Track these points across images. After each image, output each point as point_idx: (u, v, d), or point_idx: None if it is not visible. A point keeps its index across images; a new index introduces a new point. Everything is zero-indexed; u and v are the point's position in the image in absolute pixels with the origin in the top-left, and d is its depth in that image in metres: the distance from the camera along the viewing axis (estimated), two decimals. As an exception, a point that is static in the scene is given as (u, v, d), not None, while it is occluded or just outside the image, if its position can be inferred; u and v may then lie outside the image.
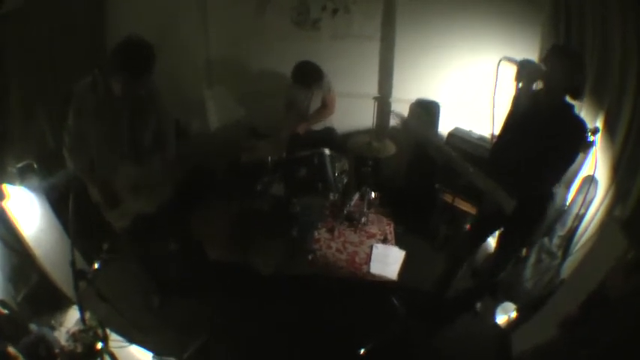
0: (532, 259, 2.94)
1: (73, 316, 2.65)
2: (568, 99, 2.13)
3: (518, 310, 2.88)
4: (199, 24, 3.61)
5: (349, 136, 3.65)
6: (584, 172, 2.75)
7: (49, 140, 2.77)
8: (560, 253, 2.83)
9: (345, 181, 3.37)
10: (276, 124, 3.61)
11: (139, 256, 2.84)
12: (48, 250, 2.69)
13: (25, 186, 2.61)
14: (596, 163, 2.31)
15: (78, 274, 2.06)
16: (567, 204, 2.85)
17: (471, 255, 3.01)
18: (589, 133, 2.15)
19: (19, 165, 2.54)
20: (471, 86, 3.43)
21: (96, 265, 3.01)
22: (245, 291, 3.03)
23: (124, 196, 2.33)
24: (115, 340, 2.51)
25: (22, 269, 2.58)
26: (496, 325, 2.87)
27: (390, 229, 3.65)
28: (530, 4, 2.95)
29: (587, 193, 2.64)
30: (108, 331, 2.43)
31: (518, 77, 2.16)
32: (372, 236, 3.58)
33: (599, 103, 2.59)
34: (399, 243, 3.51)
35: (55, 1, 2.74)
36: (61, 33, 2.71)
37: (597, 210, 2.63)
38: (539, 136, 2.13)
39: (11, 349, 2.04)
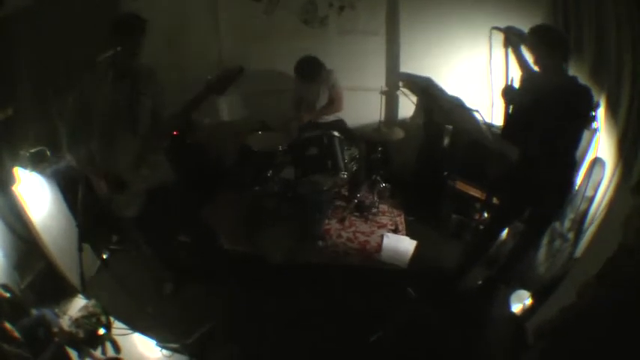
0: (544, 244, 2.94)
1: (77, 305, 2.61)
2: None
3: (532, 297, 2.86)
4: (211, 23, 3.72)
5: (358, 128, 3.75)
6: (591, 155, 2.80)
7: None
8: (572, 236, 2.83)
9: (355, 168, 3.41)
10: (286, 117, 3.68)
11: (150, 244, 2.82)
12: (56, 236, 2.71)
13: (37, 172, 2.63)
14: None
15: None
16: (576, 187, 2.88)
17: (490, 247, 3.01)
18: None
19: (32, 150, 2.56)
20: (475, 77, 3.48)
21: (105, 256, 3.07)
22: (255, 279, 3.02)
23: (127, 176, 2.32)
24: (118, 328, 2.49)
25: (29, 256, 2.57)
26: (511, 313, 2.84)
27: (400, 219, 3.66)
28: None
29: (594, 175, 2.71)
30: (111, 318, 2.42)
31: (506, 43, 2.30)
32: (382, 226, 3.60)
33: (599, 85, 2.64)
34: (410, 233, 3.51)
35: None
36: (73, 31, 2.76)
37: (606, 190, 2.65)
38: (551, 111, 2.18)
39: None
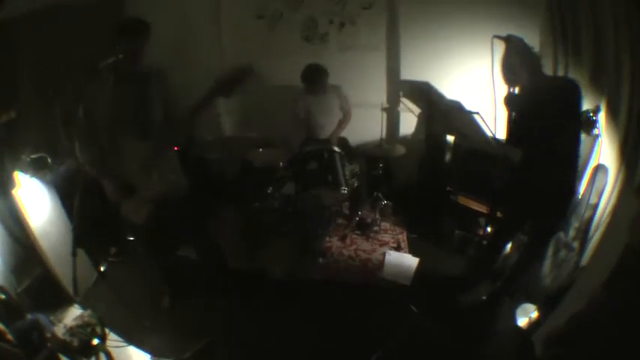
0: (549, 255, 2.87)
1: (72, 314, 2.56)
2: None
3: (538, 309, 2.77)
4: (214, 39, 3.82)
5: (359, 144, 3.78)
6: (593, 162, 2.77)
7: (62, 136, 2.81)
8: (577, 245, 2.77)
9: (356, 185, 3.39)
10: (288, 133, 3.73)
11: (151, 255, 2.80)
12: (54, 243, 2.71)
13: (37, 178, 2.65)
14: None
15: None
16: (580, 196, 2.84)
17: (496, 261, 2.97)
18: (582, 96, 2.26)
19: (33, 156, 2.59)
20: (477, 89, 3.49)
21: (102, 268, 3.05)
22: (254, 294, 2.98)
23: (136, 180, 2.31)
24: (114, 340, 2.44)
25: (26, 262, 2.58)
26: (517, 327, 2.75)
27: (402, 236, 3.61)
28: (525, 7, 3.12)
29: (597, 182, 2.67)
30: (107, 330, 2.37)
31: (507, 52, 2.33)
32: (384, 244, 3.54)
33: (599, 90, 2.65)
34: (413, 250, 3.45)
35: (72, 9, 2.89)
36: (75, 33, 2.82)
37: (610, 196, 2.61)
38: (548, 110, 2.21)
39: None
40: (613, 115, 2.56)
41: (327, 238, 3.56)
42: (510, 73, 2.33)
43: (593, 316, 2.02)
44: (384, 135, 3.64)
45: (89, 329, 2.28)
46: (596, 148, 2.72)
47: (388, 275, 3.19)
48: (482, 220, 3.34)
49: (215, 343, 2.55)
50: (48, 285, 2.62)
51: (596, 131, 2.67)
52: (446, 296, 2.95)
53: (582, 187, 2.81)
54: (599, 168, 2.68)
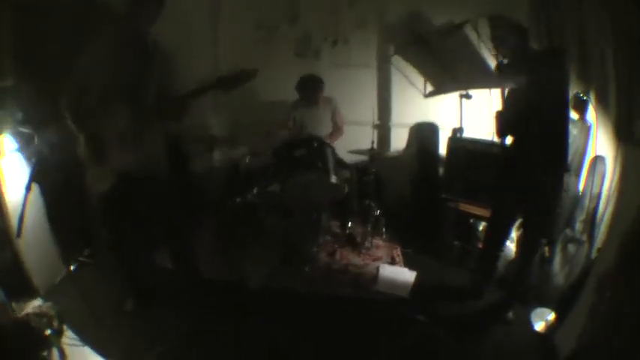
0: (557, 253, 2.76)
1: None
2: None
3: (554, 310, 2.57)
4: (211, 49, 3.88)
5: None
6: (590, 154, 2.77)
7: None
8: (585, 237, 2.67)
9: (347, 190, 3.23)
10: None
11: (120, 251, 2.55)
12: (26, 227, 2.38)
13: (21, 153, 2.48)
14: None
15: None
16: (581, 190, 2.80)
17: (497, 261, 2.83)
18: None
19: (22, 129, 2.44)
20: (467, 108, 3.60)
21: (72, 267, 2.77)
22: (230, 305, 2.66)
23: (112, 147, 2.16)
24: (71, 338, 2.25)
25: None
26: (534, 331, 2.55)
27: (397, 251, 3.37)
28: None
29: (597, 173, 2.66)
30: (65, 326, 2.24)
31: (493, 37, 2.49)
32: (377, 259, 3.28)
33: (586, 82, 2.74)
34: (409, 265, 3.20)
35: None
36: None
37: (611, 183, 2.58)
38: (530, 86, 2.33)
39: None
40: (603, 105, 2.63)
41: (315, 248, 3.26)
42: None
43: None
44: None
45: (45, 319, 2.14)
46: (590, 140, 2.74)
47: (384, 288, 2.91)
48: (481, 233, 3.22)
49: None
50: (15, 274, 2.39)
51: (587, 123, 2.74)
52: (452, 306, 2.74)
53: (582, 181, 2.80)
54: (597, 159, 2.68)
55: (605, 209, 2.60)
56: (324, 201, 3.27)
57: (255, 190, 3.32)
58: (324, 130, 3.64)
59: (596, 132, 2.70)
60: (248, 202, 3.31)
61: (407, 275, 3.04)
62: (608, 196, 2.60)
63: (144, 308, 2.58)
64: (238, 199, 3.31)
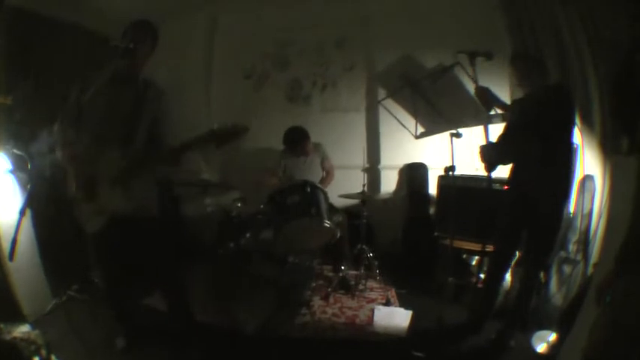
0: (553, 275, 2.71)
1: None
2: None
3: (555, 330, 2.48)
4: (203, 96, 4.00)
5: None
6: (579, 174, 2.78)
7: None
8: (580, 257, 2.63)
9: (339, 235, 3.17)
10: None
11: (110, 288, 2.48)
12: (20, 254, 2.35)
13: (14, 176, 2.52)
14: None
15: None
16: (572, 211, 2.80)
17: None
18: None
19: (15, 151, 2.48)
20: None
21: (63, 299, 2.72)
22: (224, 352, 2.53)
23: (101, 190, 2.13)
24: None
25: None
26: (538, 354, 2.44)
27: (391, 292, 3.26)
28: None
29: (586, 192, 2.68)
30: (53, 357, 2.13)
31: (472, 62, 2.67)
32: (372, 301, 3.16)
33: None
34: (404, 305, 3.08)
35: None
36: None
37: (602, 196, 2.58)
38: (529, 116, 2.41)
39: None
40: (587, 125, 2.72)
41: (309, 292, 3.17)
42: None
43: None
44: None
45: (33, 347, 2.05)
46: (578, 161, 2.77)
47: (380, 329, 2.79)
48: (474, 268, 3.19)
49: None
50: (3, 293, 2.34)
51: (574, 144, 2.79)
52: (451, 342, 2.62)
53: (572, 202, 2.80)
54: (586, 179, 2.71)
55: (598, 224, 2.57)
56: (318, 246, 3.25)
57: (247, 236, 3.28)
58: (314, 177, 3.64)
59: (583, 152, 2.76)
60: (241, 249, 3.25)
61: (403, 315, 2.92)
62: (600, 212, 2.59)
63: (136, 347, 2.44)
64: (232, 245, 3.26)
